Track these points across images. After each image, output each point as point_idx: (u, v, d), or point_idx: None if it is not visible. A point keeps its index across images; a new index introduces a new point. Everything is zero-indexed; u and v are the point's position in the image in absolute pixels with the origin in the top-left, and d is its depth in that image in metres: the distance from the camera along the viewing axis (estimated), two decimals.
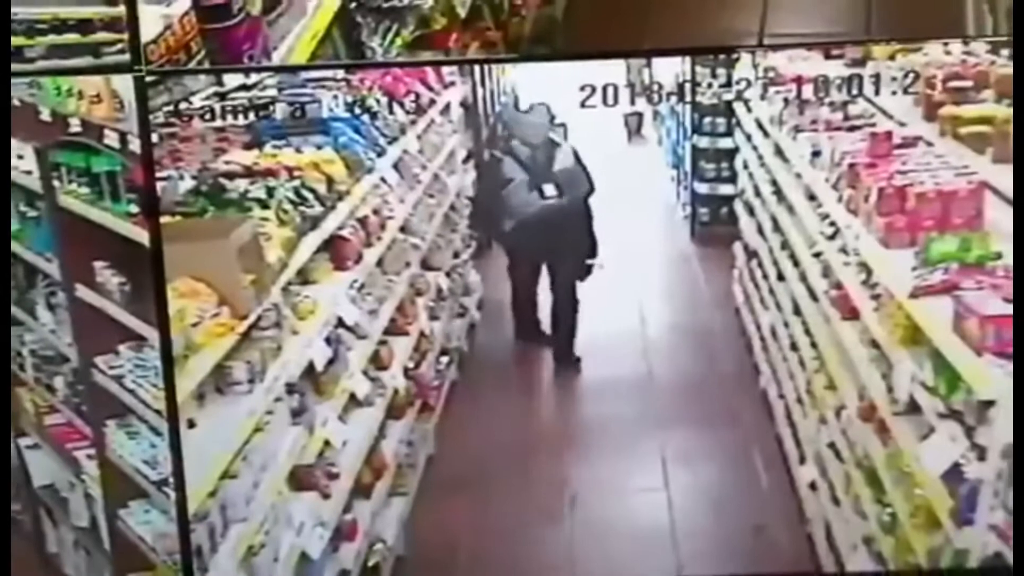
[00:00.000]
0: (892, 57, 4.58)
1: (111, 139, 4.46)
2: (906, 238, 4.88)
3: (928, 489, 4.57)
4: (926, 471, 4.56)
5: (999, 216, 4.62)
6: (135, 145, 4.38)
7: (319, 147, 5.43)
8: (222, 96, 4.70)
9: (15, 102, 4.57)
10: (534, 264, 6.09)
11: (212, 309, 4.69)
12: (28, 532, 5.61)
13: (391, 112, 4.84)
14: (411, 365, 5.93)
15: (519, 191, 5.84)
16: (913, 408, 4.73)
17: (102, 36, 4.40)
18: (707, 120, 5.98)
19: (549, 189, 5.84)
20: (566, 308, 6.09)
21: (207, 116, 4.55)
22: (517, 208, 5.87)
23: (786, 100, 5.04)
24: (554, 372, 5.99)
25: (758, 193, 6.05)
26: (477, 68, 5.79)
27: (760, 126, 5.86)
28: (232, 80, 4.75)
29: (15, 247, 5.10)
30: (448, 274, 6.36)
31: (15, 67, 4.39)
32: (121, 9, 4.24)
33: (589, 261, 5.99)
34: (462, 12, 5.32)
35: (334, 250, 5.52)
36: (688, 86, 4.52)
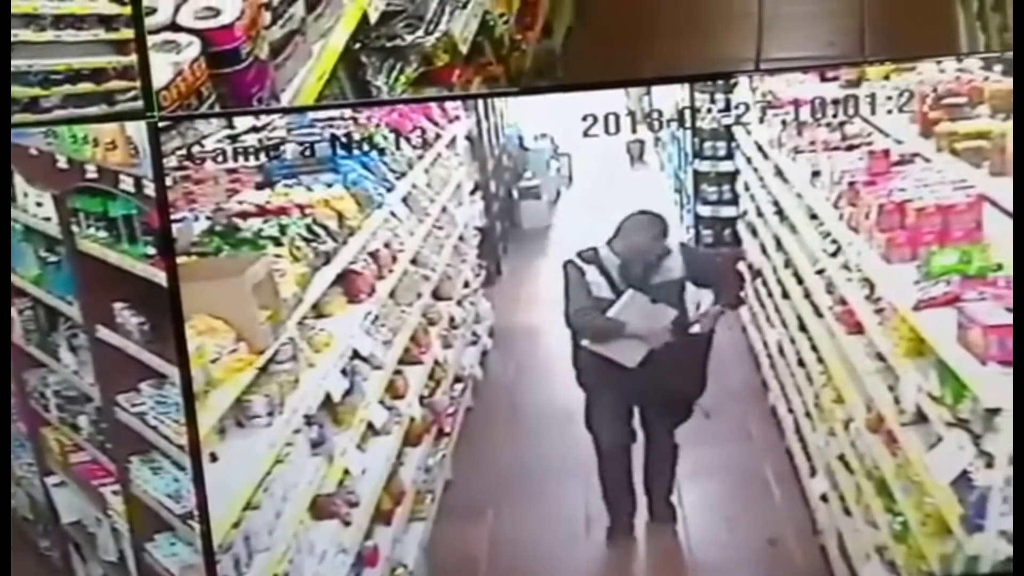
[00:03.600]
0: (887, 77, 4.58)
1: (127, 184, 4.48)
2: (907, 252, 4.90)
3: (938, 497, 4.58)
4: (935, 480, 4.58)
5: (998, 228, 4.63)
6: (150, 189, 4.40)
7: (329, 184, 5.44)
8: (233, 138, 4.71)
9: (32, 151, 4.60)
10: (627, 409, 5.57)
11: (230, 345, 4.70)
12: (58, 568, 5.62)
13: (398, 148, 4.86)
14: (426, 393, 5.94)
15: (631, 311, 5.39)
16: (920, 418, 4.75)
17: (115, 84, 4.40)
18: (708, 144, 5.98)
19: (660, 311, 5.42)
20: (665, 459, 5.61)
21: (219, 158, 4.57)
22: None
23: (784, 122, 5.03)
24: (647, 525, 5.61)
25: (760, 214, 6.06)
26: (481, 102, 5.79)
27: (760, 148, 5.87)
28: (242, 123, 4.76)
29: (37, 292, 5.12)
30: (459, 303, 6.37)
31: (32, 117, 4.40)
32: (133, 57, 4.27)
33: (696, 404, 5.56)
34: (464, 48, 5.35)
35: (347, 284, 5.53)
36: (688, 112, 4.53)
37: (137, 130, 4.34)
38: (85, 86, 4.41)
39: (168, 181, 4.42)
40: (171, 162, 4.48)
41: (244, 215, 5.17)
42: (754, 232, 6.15)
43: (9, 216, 4.98)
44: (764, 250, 6.07)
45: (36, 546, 5.64)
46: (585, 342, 5.37)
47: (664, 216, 5.34)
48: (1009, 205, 4.43)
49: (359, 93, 4.90)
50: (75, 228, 4.87)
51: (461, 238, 6.41)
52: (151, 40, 4.18)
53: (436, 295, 6.21)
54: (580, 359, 5.46)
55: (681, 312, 5.34)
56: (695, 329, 5.33)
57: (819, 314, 5.54)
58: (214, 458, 4.64)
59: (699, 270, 5.39)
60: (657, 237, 5.31)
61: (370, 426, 5.50)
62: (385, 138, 4.74)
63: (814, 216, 5.51)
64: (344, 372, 5.33)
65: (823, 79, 4.65)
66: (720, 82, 4.68)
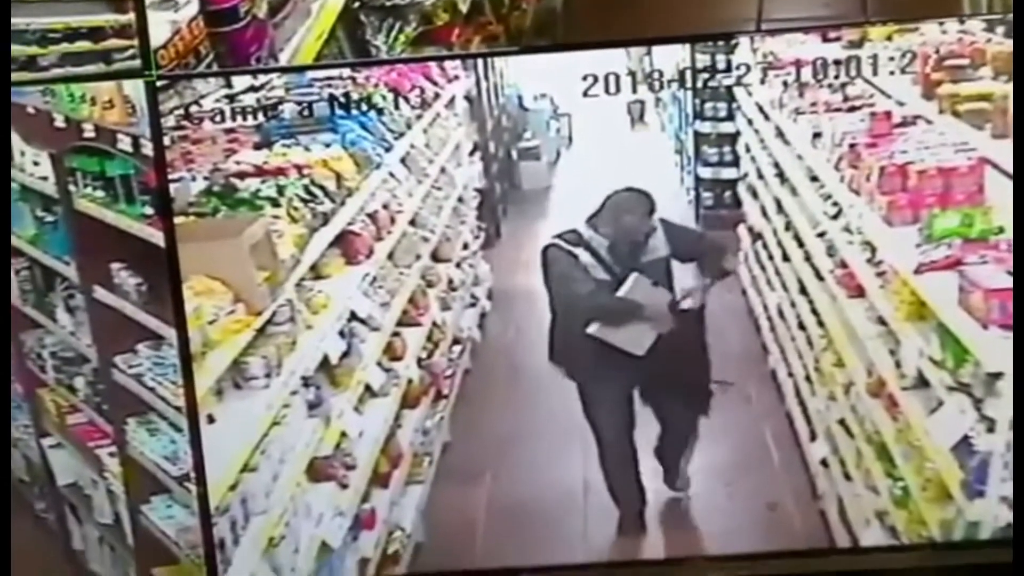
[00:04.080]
0: (889, 38, 4.59)
1: (124, 143, 4.51)
2: (909, 215, 4.91)
3: (938, 462, 4.60)
4: (936, 444, 4.61)
5: (1000, 191, 4.65)
6: (148, 148, 4.43)
7: (327, 145, 5.44)
8: (231, 98, 4.73)
9: (30, 110, 4.62)
10: (627, 396, 5.48)
11: (227, 306, 4.73)
12: (54, 530, 5.65)
13: (397, 108, 4.87)
14: (424, 355, 5.95)
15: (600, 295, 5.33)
16: (921, 383, 4.77)
17: (113, 43, 4.43)
18: (708, 105, 5.98)
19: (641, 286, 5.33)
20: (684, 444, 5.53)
21: (217, 118, 4.59)
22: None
23: (785, 83, 5.04)
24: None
25: (761, 176, 6.06)
26: (480, 61, 5.80)
27: (761, 110, 5.87)
28: (240, 82, 4.78)
29: (34, 252, 5.14)
30: (458, 265, 6.37)
31: (29, 76, 4.43)
32: (131, 16, 4.29)
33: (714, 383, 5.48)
34: (463, 7, 5.36)
35: (345, 245, 5.55)
36: (689, 73, 4.56)
37: (135, 89, 4.37)
38: (83, 44, 4.44)
39: (166, 141, 4.45)
40: (169, 121, 4.50)
41: (242, 175, 5.18)
42: (755, 194, 6.15)
43: (9, 214, 5.02)
44: (765, 213, 6.08)
45: (32, 508, 5.67)
46: (592, 329, 5.28)
47: (650, 193, 5.30)
48: (1011, 168, 4.44)
49: (358, 52, 4.92)
50: (72, 188, 4.89)
51: (460, 199, 6.40)
52: None
53: (435, 257, 6.22)
54: (574, 348, 5.39)
55: (671, 291, 5.31)
56: (686, 304, 5.30)
57: (820, 277, 5.55)
58: (211, 420, 4.68)
59: (682, 245, 5.35)
60: (645, 216, 5.28)
61: (368, 388, 5.52)
62: (384, 98, 4.76)
63: (815, 178, 5.52)
64: (342, 334, 5.36)
65: (825, 40, 4.66)
66: (721, 42, 4.70)
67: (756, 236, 6.14)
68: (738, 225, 6.20)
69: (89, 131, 4.62)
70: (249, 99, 4.74)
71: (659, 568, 5.04)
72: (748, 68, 4.53)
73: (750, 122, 6.01)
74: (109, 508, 5.36)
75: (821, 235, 5.53)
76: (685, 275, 5.35)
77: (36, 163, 4.91)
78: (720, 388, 5.38)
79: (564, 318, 5.34)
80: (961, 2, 4.86)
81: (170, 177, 4.50)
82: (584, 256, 5.25)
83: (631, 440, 5.44)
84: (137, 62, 4.34)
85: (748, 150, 6.11)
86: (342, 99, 4.62)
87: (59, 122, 4.69)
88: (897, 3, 4.75)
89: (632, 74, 4.46)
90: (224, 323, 4.71)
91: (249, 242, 4.84)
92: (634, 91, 4.50)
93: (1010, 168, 4.45)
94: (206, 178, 5.09)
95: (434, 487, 5.72)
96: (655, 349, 5.25)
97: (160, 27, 4.18)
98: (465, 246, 6.46)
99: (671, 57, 4.61)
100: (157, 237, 4.53)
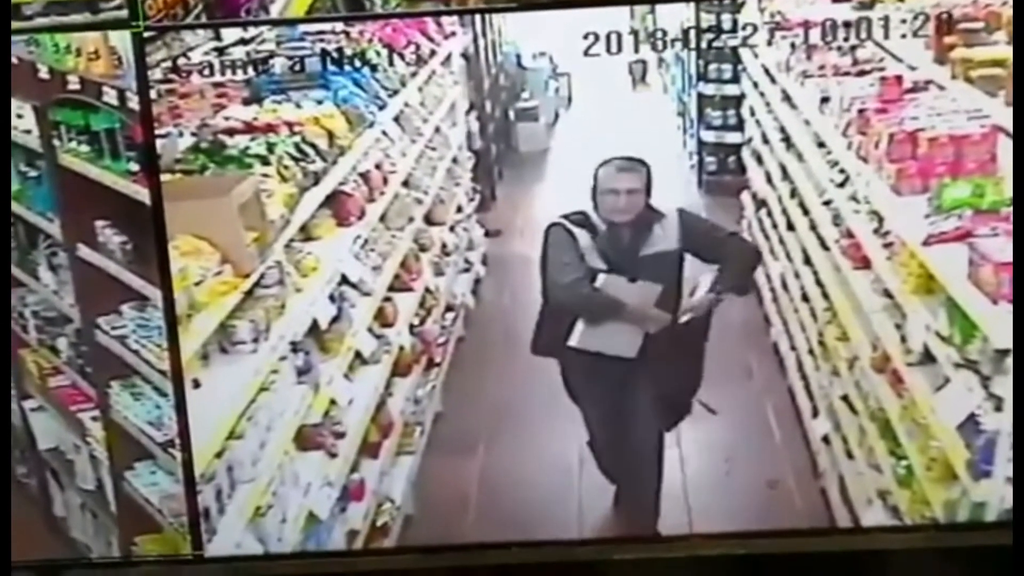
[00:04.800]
0: None
1: (110, 96, 4.50)
2: (918, 184, 4.90)
3: (944, 441, 4.59)
4: (942, 423, 4.59)
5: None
6: (134, 102, 4.42)
7: (319, 101, 5.45)
8: (220, 51, 4.72)
9: (13, 60, 4.60)
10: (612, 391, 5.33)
11: (215, 267, 4.73)
12: (35, 496, 5.66)
13: (391, 64, 4.86)
14: (416, 322, 5.96)
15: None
16: (928, 358, 4.76)
17: None
18: (713, 67, 5.98)
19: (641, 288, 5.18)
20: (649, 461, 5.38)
21: (206, 71, 4.58)
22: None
23: (793, 45, 5.04)
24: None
25: (766, 141, 6.06)
26: (478, 17, 5.78)
27: (767, 72, 5.87)
28: (230, 35, 4.77)
29: (16, 208, 5.13)
30: (452, 228, 6.38)
31: (13, 25, 4.42)
32: None
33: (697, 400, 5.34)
34: None
35: (336, 206, 5.56)
36: (693, 32, 4.54)
37: (121, 40, 4.36)
38: None
39: (152, 94, 4.43)
40: (156, 74, 4.49)
41: (231, 132, 5.17)
42: (759, 160, 6.16)
43: (9, 213, 5.02)
44: (769, 179, 6.08)
45: (13, 473, 5.68)
46: (574, 342, 5.16)
47: (644, 164, 5.14)
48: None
49: (351, 6, 4.90)
50: (56, 142, 4.88)
51: (455, 160, 6.40)
52: None
53: (428, 219, 6.22)
54: (568, 365, 5.29)
55: (676, 290, 5.17)
56: (685, 318, 5.17)
57: (825, 247, 5.55)
58: (197, 384, 4.68)
59: (700, 241, 5.19)
60: (634, 194, 5.10)
61: (358, 355, 5.54)
62: (378, 54, 4.74)
63: (822, 144, 5.52)
64: (332, 298, 5.37)
65: (834, 0, 4.66)
66: (728, 1, 4.69)
67: (760, 203, 6.15)
68: (741, 191, 6.21)
69: (74, 83, 4.60)
70: (239, 52, 4.71)
71: (654, 545, 5.05)
72: (755, 28, 4.52)
73: (756, 85, 6.01)
74: (92, 474, 5.37)
75: (827, 203, 5.53)
76: (700, 279, 5.24)
77: (20, 116, 4.89)
78: (702, 409, 5.30)
79: (550, 313, 5.23)
80: None
81: (157, 132, 4.49)
82: (584, 240, 5.13)
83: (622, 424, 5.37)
84: (124, 12, 4.33)
85: (753, 114, 6.11)
86: (335, 54, 4.61)
87: (43, 73, 4.68)
88: None
89: (634, 33, 4.45)
90: (211, 285, 4.71)
91: (238, 201, 4.84)
92: (636, 51, 4.48)
93: None
94: (194, 134, 5.09)
95: (425, 458, 5.73)
96: (645, 353, 5.16)
97: None
98: (459, 209, 6.47)
99: (675, 16, 4.61)
100: (143, 194, 4.52)
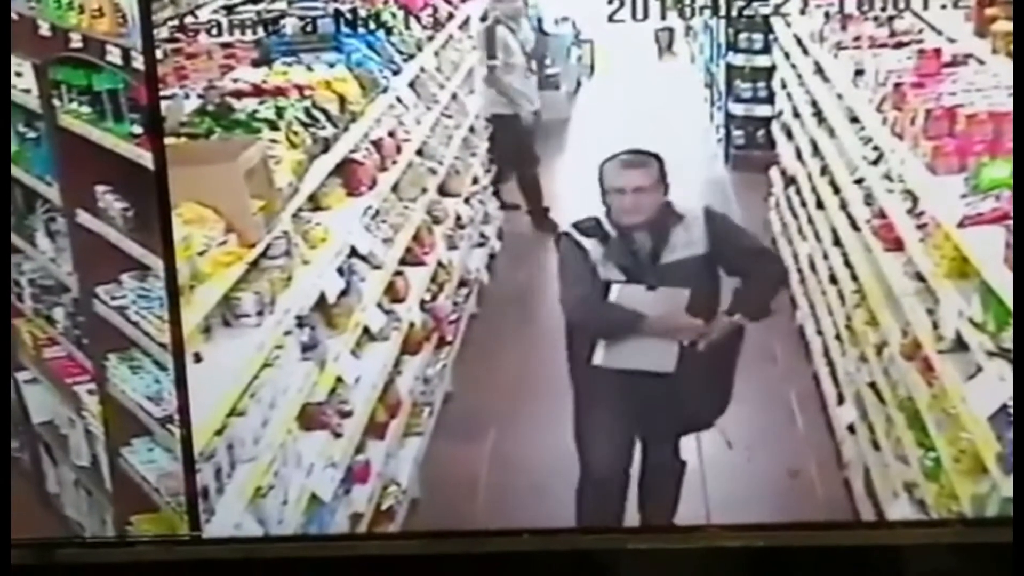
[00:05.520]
0: None
1: (113, 55, 4.49)
2: (955, 163, 4.86)
3: (974, 432, 4.56)
4: (972, 413, 4.56)
5: None
6: (138, 62, 4.41)
7: (331, 65, 5.45)
8: (229, 9, 4.71)
9: (13, 16, 4.59)
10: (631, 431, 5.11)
11: (219, 236, 4.72)
12: (27, 471, 5.67)
13: (407, 27, 4.85)
14: (428, 297, 5.96)
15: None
16: (960, 346, 4.72)
17: None
18: (743, 36, 5.95)
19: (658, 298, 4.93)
20: (670, 480, 5.23)
21: (213, 31, 4.57)
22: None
23: (827, 15, 5.00)
24: None
25: (797, 115, 6.04)
26: None
27: (799, 43, 5.85)
28: None
29: (14, 170, 5.12)
30: (467, 201, 6.37)
31: None
32: None
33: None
34: None
35: (347, 174, 5.55)
36: None
37: None
38: None
39: (158, 54, 4.42)
40: (162, 33, 4.49)
41: (239, 94, 5.17)
42: (789, 134, 6.14)
43: (9, 211, 5.01)
44: (799, 155, 6.07)
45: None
46: (598, 360, 4.90)
47: (656, 158, 4.88)
48: None
49: None
50: (56, 102, 4.88)
51: (472, 129, 6.40)
52: None
53: (442, 191, 6.22)
54: (587, 380, 5.01)
55: (713, 294, 4.90)
56: (700, 346, 4.87)
57: (856, 227, 5.54)
58: (198, 358, 4.68)
59: (727, 250, 4.90)
60: (645, 193, 4.82)
61: (366, 331, 5.53)
62: (393, 16, 4.73)
63: (855, 119, 5.50)
64: (340, 271, 5.36)
65: None
66: None
67: (789, 180, 6.13)
68: (770, 167, 6.19)
69: (76, 41, 4.60)
70: (249, 11, 4.71)
71: (671, 535, 5.04)
72: None
73: (787, 56, 5.99)
74: (86, 450, 5.38)
75: (859, 182, 5.51)
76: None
77: (19, 74, 4.89)
78: (721, 437, 5.12)
79: (569, 333, 5.00)
80: None
81: (162, 94, 4.47)
82: (595, 251, 4.85)
83: (626, 478, 5.14)
84: None
85: (784, 86, 6.09)
86: (348, 15, 4.60)
87: (44, 30, 4.68)
88: None
89: None
90: (215, 254, 4.69)
91: (244, 167, 4.82)
92: (663, 17, 4.46)
93: None
94: (200, 96, 5.09)
95: (433, 440, 5.73)
96: (684, 362, 4.86)
97: None
98: (475, 180, 6.46)
99: None
100: (146, 159, 4.50)
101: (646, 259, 4.84)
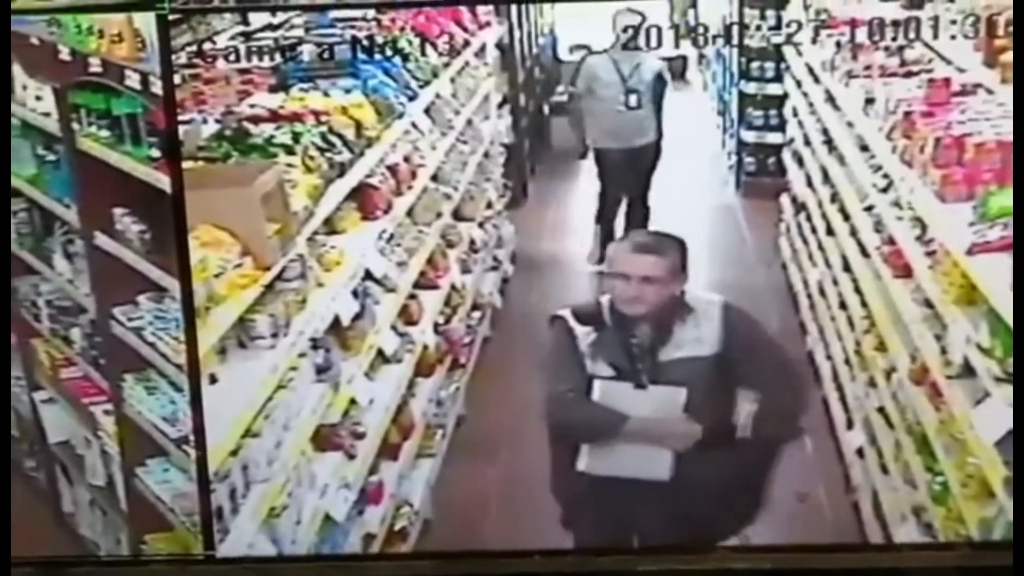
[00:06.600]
0: None
1: (132, 80, 4.50)
2: (963, 191, 4.88)
3: (982, 457, 4.56)
4: (980, 438, 4.56)
5: None
6: (157, 87, 4.42)
7: (347, 91, 5.46)
8: (247, 36, 4.74)
9: (34, 41, 4.62)
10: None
11: (235, 259, 4.73)
12: (43, 491, 5.68)
13: (423, 54, 4.88)
14: (441, 320, 5.98)
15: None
16: (967, 371, 4.73)
17: None
18: (755, 64, 5.99)
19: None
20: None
21: (231, 57, 4.59)
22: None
23: (839, 44, 5.04)
24: None
25: (808, 142, 6.06)
26: (514, 7, 5.80)
27: (811, 71, 5.87)
28: (258, 20, 4.79)
29: (33, 193, 5.15)
30: (481, 225, 6.38)
31: (34, 4, 4.44)
32: None
33: None
34: None
35: (362, 199, 5.57)
36: (736, 28, 4.53)
37: (146, 22, 4.36)
38: None
39: (176, 79, 4.44)
40: (180, 59, 4.51)
41: (256, 120, 5.19)
42: (800, 162, 6.15)
43: (9, 215, 5.03)
44: (810, 182, 6.08)
45: (20, 466, 5.70)
46: (582, 466, 4.45)
47: (680, 239, 4.41)
48: None
49: None
50: (76, 125, 4.88)
51: (486, 155, 6.41)
52: None
53: (457, 215, 6.23)
54: (572, 489, 4.60)
55: (717, 395, 4.39)
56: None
57: (865, 254, 5.55)
58: (213, 380, 4.68)
59: (745, 356, 4.39)
60: (656, 279, 4.35)
61: (380, 353, 5.54)
62: (410, 43, 4.76)
63: (865, 147, 5.51)
64: (355, 294, 5.37)
65: None
66: None
67: (799, 207, 6.15)
68: (780, 194, 6.21)
69: (96, 66, 4.61)
70: (266, 38, 4.74)
71: (681, 556, 5.03)
72: (799, 26, 4.50)
73: (799, 84, 6.01)
74: (102, 469, 5.38)
75: (868, 209, 5.52)
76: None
77: (39, 98, 4.90)
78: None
79: (550, 435, 4.58)
80: None
81: (180, 118, 4.49)
82: (585, 338, 4.40)
83: None
84: None
85: (795, 114, 6.11)
86: (365, 42, 4.61)
87: (64, 55, 4.68)
88: None
89: (675, 27, 4.44)
90: (231, 277, 4.71)
91: (260, 191, 4.84)
92: (676, 46, 4.48)
93: None
94: (218, 121, 5.11)
95: (446, 462, 5.74)
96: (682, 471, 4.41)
97: None
98: (489, 205, 6.48)
99: (717, 10, 4.61)
100: (163, 182, 4.51)
101: (642, 355, 4.37)
